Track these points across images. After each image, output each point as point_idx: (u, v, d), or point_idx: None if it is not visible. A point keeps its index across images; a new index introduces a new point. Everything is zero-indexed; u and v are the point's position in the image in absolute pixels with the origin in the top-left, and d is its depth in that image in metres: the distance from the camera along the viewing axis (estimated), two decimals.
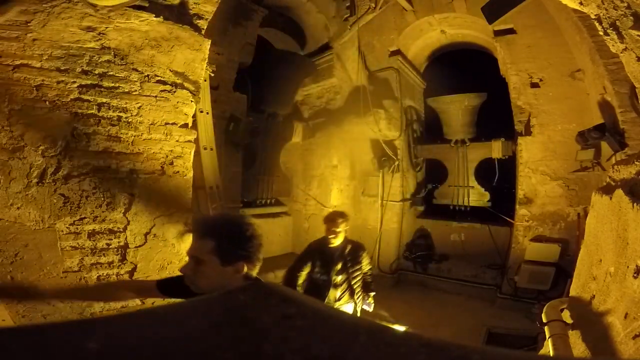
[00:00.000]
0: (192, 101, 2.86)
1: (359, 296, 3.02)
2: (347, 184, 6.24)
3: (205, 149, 3.47)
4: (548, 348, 1.54)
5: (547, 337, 1.61)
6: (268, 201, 6.08)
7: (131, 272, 2.52)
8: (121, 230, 2.49)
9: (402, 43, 6.15)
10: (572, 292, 1.86)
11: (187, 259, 1.19)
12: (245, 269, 1.18)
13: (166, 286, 1.42)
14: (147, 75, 2.60)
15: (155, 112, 2.65)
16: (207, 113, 3.52)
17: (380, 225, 6.19)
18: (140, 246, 2.57)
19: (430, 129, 7.22)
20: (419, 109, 7.06)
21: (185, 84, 2.81)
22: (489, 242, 5.77)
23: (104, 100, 2.42)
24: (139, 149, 2.57)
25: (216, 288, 1.09)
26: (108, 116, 2.44)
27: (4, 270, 2.04)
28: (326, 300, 2.81)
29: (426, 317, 4.76)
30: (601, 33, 1.62)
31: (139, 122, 2.57)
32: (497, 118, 6.05)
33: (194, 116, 3.05)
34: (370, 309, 3.13)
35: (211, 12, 2.96)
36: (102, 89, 2.41)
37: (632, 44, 1.47)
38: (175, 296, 1.34)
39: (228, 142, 4.14)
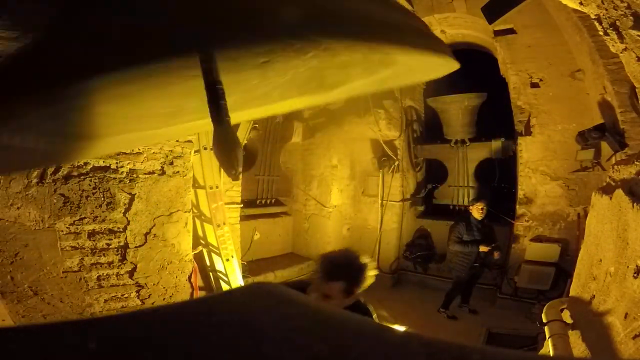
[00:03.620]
0: None
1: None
2: (347, 184, 6.24)
3: (205, 148, 3.46)
4: (548, 348, 1.54)
5: (547, 337, 1.61)
6: (268, 201, 6.08)
7: (131, 272, 2.52)
8: (121, 230, 2.49)
9: None
10: (572, 292, 1.85)
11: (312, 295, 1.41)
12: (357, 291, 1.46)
13: None
14: None
15: None
16: None
17: (380, 225, 6.19)
18: (140, 246, 2.57)
19: (430, 129, 7.21)
20: (419, 109, 7.06)
21: None
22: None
23: None
24: (139, 149, 2.57)
25: None
26: None
27: (4, 270, 2.04)
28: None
29: (426, 317, 4.76)
30: (601, 33, 1.62)
31: None
32: (497, 118, 6.05)
33: None
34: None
35: None
36: None
37: (632, 44, 1.47)
38: None
39: None
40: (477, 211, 4.56)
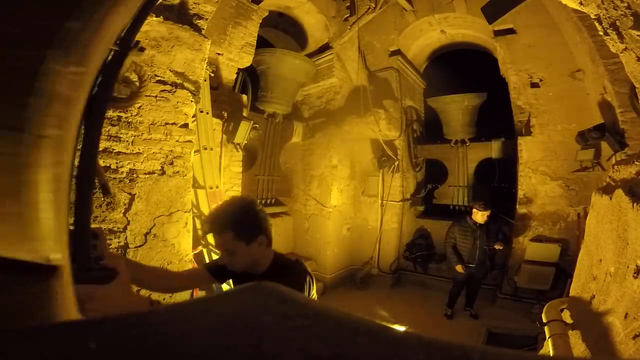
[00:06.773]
0: (192, 101, 2.86)
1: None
2: (347, 184, 6.24)
3: (205, 148, 3.47)
4: (548, 348, 1.54)
5: (547, 337, 1.61)
6: (268, 201, 6.08)
7: None
8: (121, 230, 2.48)
9: (402, 43, 6.15)
10: (572, 292, 1.85)
11: (219, 251, 1.36)
12: (265, 239, 1.39)
13: (215, 270, 1.48)
14: (147, 75, 2.60)
15: (155, 112, 2.65)
16: (207, 113, 3.52)
17: (380, 225, 6.20)
18: (140, 246, 2.57)
19: (430, 129, 7.22)
20: (419, 109, 7.07)
21: (185, 84, 2.81)
22: None
23: None
24: (139, 149, 2.58)
25: (252, 265, 1.38)
26: (108, 116, 2.44)
27: None
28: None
29: (426, 317, 4.76)
30: (601, 33, 1.62)
31: (139, 122, 2.57)
32: (497, 118, 6.06)
33: (194, 116, 3.05)
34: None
35: (211, 12, 2.96)
36: None
37: (632, 44, 1.47)
38: (224, 278, 1.52)
39: (228, 142, 4.15)
40: (476, 214, 4.51)
